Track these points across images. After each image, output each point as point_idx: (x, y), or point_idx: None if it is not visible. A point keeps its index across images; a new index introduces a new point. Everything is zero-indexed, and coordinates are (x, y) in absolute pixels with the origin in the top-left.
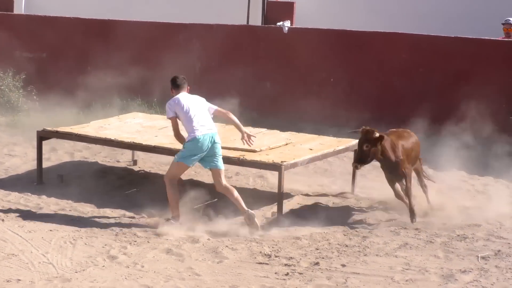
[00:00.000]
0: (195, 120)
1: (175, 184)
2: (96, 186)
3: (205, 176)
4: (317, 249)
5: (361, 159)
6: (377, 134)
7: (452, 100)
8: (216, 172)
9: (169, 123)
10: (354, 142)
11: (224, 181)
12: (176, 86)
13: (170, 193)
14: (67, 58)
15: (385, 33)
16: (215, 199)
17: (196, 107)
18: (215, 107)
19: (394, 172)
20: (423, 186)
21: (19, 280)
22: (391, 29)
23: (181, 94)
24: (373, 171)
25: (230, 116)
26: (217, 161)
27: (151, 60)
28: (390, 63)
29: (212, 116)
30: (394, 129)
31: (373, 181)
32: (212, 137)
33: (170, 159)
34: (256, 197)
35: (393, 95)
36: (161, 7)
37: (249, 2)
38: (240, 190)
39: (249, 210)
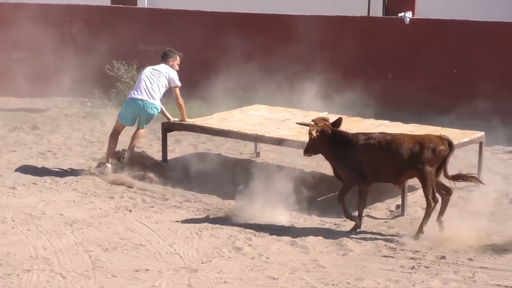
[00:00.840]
0: (137, 86)
1: (114, 137)
2: (219, 178)
3: (328, 169)
4: (444, 243)
5: None
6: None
7: None
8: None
9: (291, 116)
10: (479, 134)
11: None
12: (161, 58)
13: (108, 144)
14: (190, 51)
15: (509, 23)
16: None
17: (148, 77)
18: (174, 85)
19: None
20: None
21: (147, 270)
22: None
23: (156, 65)
24: (498, 163)
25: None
26: (141, 123)
27: (274, 53)
28: None
29: (165, 89)
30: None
31: (498, 174)
32: (142, 103)
33: (293, 150)
34: (380, 190)
35: None
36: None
37: None
38: None
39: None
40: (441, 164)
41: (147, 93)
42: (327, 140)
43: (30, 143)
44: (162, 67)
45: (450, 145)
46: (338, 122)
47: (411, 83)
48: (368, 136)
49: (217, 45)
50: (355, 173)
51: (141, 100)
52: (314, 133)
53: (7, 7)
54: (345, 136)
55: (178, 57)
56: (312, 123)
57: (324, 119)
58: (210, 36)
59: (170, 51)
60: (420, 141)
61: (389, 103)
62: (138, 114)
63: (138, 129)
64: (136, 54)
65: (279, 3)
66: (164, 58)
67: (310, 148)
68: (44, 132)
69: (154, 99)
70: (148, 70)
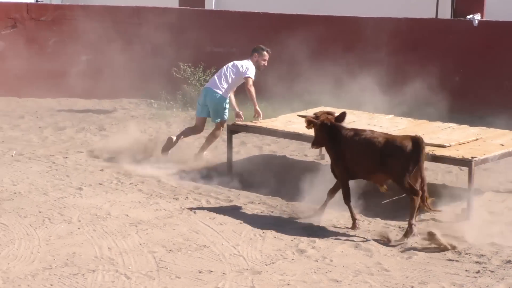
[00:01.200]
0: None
1: (191, 129)
2: (284, 180)
3: None
4: (510, 247)
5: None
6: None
7: None
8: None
9: (356, 118)
10: None
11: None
12: None
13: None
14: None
15: None
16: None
17: (224, 68)
18: (245, 76)
19: None
20: None
21: (211, 271)
22: None
23: (241, 60)
24: None
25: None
26: (212, 116)
27: (332, 55)
28: None
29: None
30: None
31: None
32: (205, 91)
33: None
34: (445, 193)
35: None
36: (345, 1)
37: None
38: (429, 186)
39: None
40: (414, 164)
41: (214, 82)
42: (327, 133)
43: (96, 144)
44: (243, 61)
45: (418, 145)
46: (342, 116)
47: (479, 86)
48: (356, 132)
49: (282, 46)
50: (344, 169)
51: (205, 88)
52: (306, 124)
53: (76, 9)
54: (339, 130)
55: (265, 53)
56: (314, 116)
57: (329, 113)
58: (275, 37)
59: (257, 47)
60: (390, 140)
61: (457, 105)
62: (206, 104)
63: (214, 129)
64: (203, 56)
65: (347, 6)
66: (251, 53)
67: (316, 141)
68: (111, 133)
69: (218, 88)
70: (229, 63)
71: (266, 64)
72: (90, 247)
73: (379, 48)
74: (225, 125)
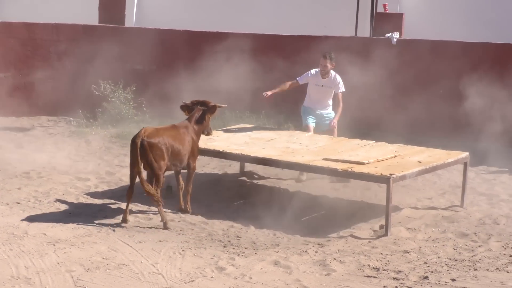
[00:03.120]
0: None
1: None
2: (204, 198)
3: (312, 188)
4: (426, 263)
5: None
6: None
7: None
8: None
9: (277, 135)
10: (464, 154)
11: None
12: None
13: None
14: (176, 70)
15: (501, 44)
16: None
17: None
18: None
19: None
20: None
21: None
22: (503, 40)
23: None
24: (483, 184)
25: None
26: None
27: (261, 70)
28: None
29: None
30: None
31: (483, 195)
32: None
33: (278, 171)
34: (364, 209)
35: None
36: (267, 19)
37: (358, 13)
38: (348, 202)
39: None
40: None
41: None
42: None
43: (14, 162)
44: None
45: (132, 142)
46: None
47: (398, 104)
48: None
49: (202, 62)
50: None
51: None
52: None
53: None
54: None
55: (321, 59)
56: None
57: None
58: (197, 55)
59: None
60: None
61: (375, 123)
62: None
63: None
64: (123, 73)
65: (273, 23)
66: None
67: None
68: (29, 151)
69: None
70: None
71: (324, 68)
72: (6, 266)
73: (296, 66)
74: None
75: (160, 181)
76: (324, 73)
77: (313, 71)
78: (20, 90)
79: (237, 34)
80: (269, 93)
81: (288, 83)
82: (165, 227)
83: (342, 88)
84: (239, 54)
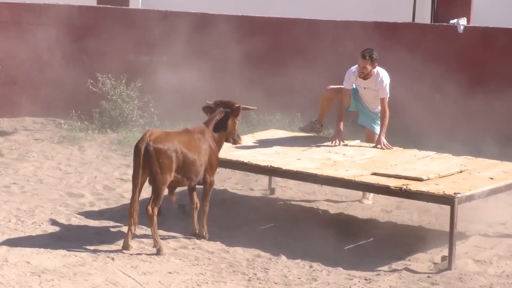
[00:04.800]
0: None
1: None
2: (225, 219)
3: (356, 210)
4: None
5: None
6: None
7: None
8: None
9: (314, 144)
10: None
11: None
12: None
13: None
14: (191, 62)
15: None
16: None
17: None
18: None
19: None
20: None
21: None
22: None
23: None
24: None
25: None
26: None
27: (291, 64)
28: None
29: None
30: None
31: None
32: None
33: (314, 187)
34: (422, 236)
35: None
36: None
37: None
38: (402, 227)
39: None
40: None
41: None
42: None
43: None
44: None
45: (136, 147)
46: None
47: (464, 102)
48: None
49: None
50: None
51: None
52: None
53: None
54: None
55: (359, 58)
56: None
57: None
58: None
59: None
60: None
61: (436, 129)
62: None
63: None
64: (127, 65)
65: (317, 7)
66: None
67: None
68: (10, 160)
69: None
70: None
71: (363, 70)
72: None
73: (340, 56)
74: None
75: (159, 198)
76: (364, 75)
77: (353, 68)
78: None
79: (257, 17)
80: (342, 142)
81: (345, 99)
82: (159, 253)
83: (387, 92)
84: (255, 41)
